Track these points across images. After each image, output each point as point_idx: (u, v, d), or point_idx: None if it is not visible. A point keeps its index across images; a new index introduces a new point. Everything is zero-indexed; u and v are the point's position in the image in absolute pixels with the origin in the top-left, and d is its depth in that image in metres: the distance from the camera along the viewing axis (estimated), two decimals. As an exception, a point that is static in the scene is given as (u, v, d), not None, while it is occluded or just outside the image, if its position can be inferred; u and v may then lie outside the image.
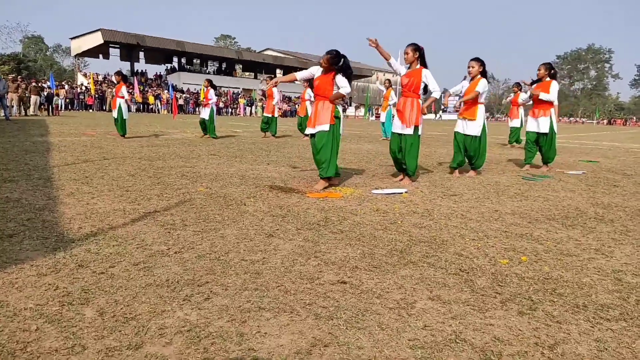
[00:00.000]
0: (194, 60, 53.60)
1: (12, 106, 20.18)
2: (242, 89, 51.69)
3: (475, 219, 3.97)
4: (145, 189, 4.77)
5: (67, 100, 32.95)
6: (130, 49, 47.21)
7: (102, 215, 3.65)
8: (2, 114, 17.67)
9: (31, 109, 22.42)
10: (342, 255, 2.87)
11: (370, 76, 68.93)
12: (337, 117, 5.16)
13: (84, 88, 36.86)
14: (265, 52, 75.62)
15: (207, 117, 11.87)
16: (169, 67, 52.22)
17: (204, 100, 12.08)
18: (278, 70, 60.94)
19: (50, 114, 23.97)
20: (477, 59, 6.37)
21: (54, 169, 5.81)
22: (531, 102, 7.56)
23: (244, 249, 2.92)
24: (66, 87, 34.56)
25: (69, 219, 3.49)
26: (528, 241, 3.34)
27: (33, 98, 22.45)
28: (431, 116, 64.76)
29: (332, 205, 4.29)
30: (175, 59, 52.22)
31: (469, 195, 5.03)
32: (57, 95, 28.19)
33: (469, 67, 6.39)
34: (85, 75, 45.12)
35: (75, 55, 49.53)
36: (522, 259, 2.91)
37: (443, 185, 5.70)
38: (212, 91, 11.94)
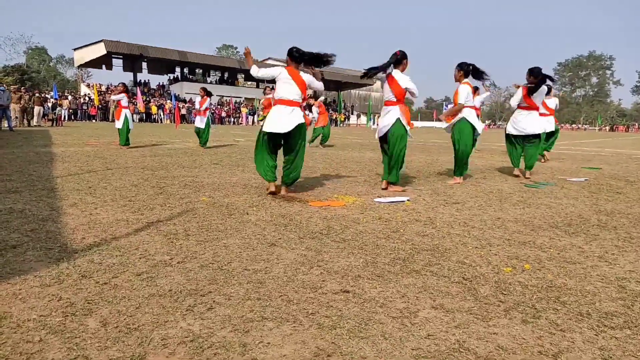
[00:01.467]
0: (197, 70, 53.95)
1: (16, 117, 20.28)
2: (245, 98, 51.89)
3: (477, 226, 3.97)
4: (148, 198, 4.78)
5: (71, 110, 33.16)
6: (133, 60, 47.53)
7: (105, 225, 3.66)
8: (6, 125, 17.78)
9: (34, 119, 22.56)
10: (344, 264, 2.87)
11: (372, 84, 69.02)
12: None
13: (87, 99, 37.10)
14: (267, 62, 76.02)
15: (202, 126, 11.83)
16: (171, 77, 52.54)
17: (200, 109, 12.05)
18: (280, 80, 61.05)
19: (54, 124, 24.10)
20: (458, 65, 6.40)
21: (58, 180, 5.83)
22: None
23: (246, 259, 2.92)
24: (69, 97, 34.78)
25: (72, 229, 3.51)
26: (531, 249, 3.33)
27: (36, 109, 22.59)
28: (443, 124, 64.92)
29: (334, 214, 4.29)
30: (177, 69, 52.54)
31: (472, 203, 5.03)
32: (61, 105, 28.33)
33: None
34: (88, 85, 45.44)
35: (79, 66, 49.91)
36: (525, 266, 2.91)
37: (445, 193, 5.70)
38: (208, 100, 11.94)
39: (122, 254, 2.94)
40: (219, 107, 44.75)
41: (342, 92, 62.64)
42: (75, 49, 47.06)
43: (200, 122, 11.92)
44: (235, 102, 48.44)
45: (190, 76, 52.79)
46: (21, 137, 13.83)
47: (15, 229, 3.46)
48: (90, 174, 6.46)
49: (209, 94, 12.07)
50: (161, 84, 50.75)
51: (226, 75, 55.72)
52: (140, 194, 5.04)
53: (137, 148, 11.11)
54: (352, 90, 72.06)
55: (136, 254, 2.95)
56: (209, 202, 4.67)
